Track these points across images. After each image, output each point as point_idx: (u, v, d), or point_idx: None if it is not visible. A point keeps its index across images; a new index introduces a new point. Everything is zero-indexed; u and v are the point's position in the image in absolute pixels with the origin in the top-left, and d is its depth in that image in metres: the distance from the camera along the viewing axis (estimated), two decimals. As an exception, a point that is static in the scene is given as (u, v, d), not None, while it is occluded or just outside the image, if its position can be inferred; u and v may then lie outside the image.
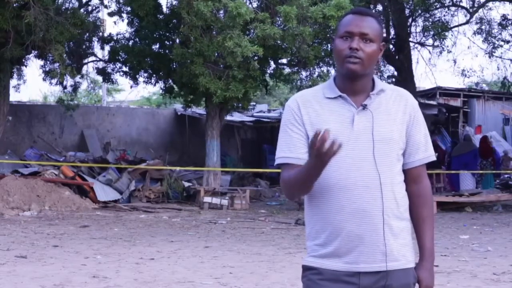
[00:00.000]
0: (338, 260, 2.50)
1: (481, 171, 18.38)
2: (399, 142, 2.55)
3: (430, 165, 2.72)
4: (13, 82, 18.26)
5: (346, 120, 2.52)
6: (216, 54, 14.95)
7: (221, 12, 14.84)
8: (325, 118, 2.52)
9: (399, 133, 2.56)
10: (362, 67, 2.50)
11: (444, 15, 20.02)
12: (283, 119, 2.62)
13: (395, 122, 2.55)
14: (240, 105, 17.29)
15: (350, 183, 2.47)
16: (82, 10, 17.73)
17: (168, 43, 17.40)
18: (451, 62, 23.81)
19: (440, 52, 20.28)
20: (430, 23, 18.92)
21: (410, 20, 19.43)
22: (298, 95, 2.64)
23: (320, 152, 2.27)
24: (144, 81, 18.40)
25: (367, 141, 2.50)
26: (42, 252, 8.99)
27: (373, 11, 18.09)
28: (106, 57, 19.13)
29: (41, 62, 17.90)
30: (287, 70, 18.51)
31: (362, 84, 2.56)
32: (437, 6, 19.57)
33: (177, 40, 16.39)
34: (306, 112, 2.56)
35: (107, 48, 18.96)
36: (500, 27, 19.73)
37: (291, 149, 2.55)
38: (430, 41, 20.13)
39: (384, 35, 18.13)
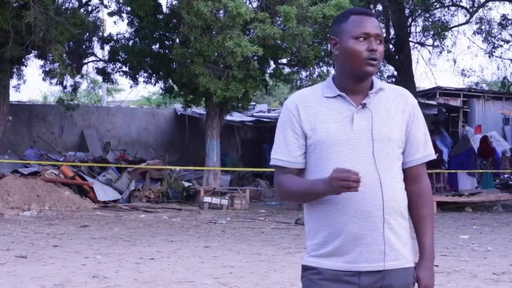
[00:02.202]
0: (338, 259, 2.49)
1: (481, 171, 18.38)
2: (398, 141, 2.55)
3: (430, 165, 2.72)
4: (13, 82, 18.27)
5: (345, 119, 2.52)
6: (216, 54, 14.95)
7: (221, 12, 14.84)
8: (324, 117, 2.52)
9: (399, 132, 2.55)
10: (376, 68, 2.53)
11: (444, 15, 20.02)
12: (280, 119, 2.62)
13: (394, 121, 2.55)
14: (240, 105, 17.30)
15: (351, 183, 2.46)
16: (82, 10, 17.72)
17: (168, 43, 17.40)
18: (451, 62, 23.84)
19: (440, 52, 20.29)
20: (430, 23, 18.91)
21: (410, 20, 19.43)
22: (297, 95, 2.64)
23: (344, 186, 2.33)
24: (144, 81, 18.41)
25: (367, 140, 2.49)
26: (42, 252, 8.99)
27: (373, 11, 18.16)
28: (106, 57, 19.13)
29: (41, 62, 17.92)
30: (287, 70, 18.51)
31: (366, 84, 2.57)
32: (437, 6, 19.56)
33: (177, 40, 16.38)
34: (305, 112, 2.55)
35: (107, 48, 18.97)
36: (500, 27, 19.72)
37: (285, 153, 2.57)
38: (430, 41, 20.14)
39: (384, 35, 18.13)
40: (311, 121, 2.54)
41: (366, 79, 2.54)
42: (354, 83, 2.55)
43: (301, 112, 2.55)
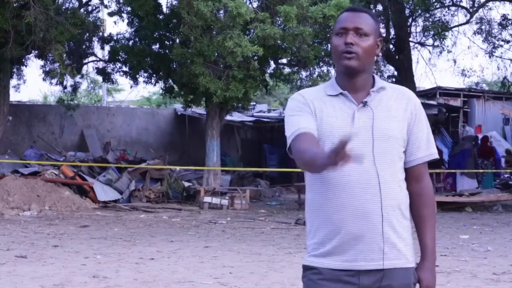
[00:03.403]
0: (337, 258, 2.49)
1: (480, 171, 18.37)
2: (399, 139, 2.55)
3: (431, 165, 2.71)
4: (13, 82, 18.27)
5: (346, 116, 2.52)
6: (216, 54, 14.95)
7: (221, 12, 14.84)
8: (327, 114, 2.53)
9: (400, 131, 2.55)
10: (358, 61, 2.51)
11: (444, 15, 20.02)
12: (288, 108, 2.60)
13: (395, 119, 2.55)
14: (240, 105, 17.29)
15: (349, 180, 2.46)
16: (82, 10, 17.73)
17: (168, 43, 17.40)
18: (451, 62, 23.80)
19: (440, 52, 20.28)
20: (430, 23, 18.91)
21: (410, 20, 19.43)
22: (301, 91, 2.66)
23: (340, 159, 2.17)
24: (144, 81, 18.42)
25: (367, 138, 2.49)
26: (42, 252, 8.99)
27: (373, 11, 18.16)
28: (106, 57, 19.13)
29: (41, 62, 17.91)
30: (287, 70, 18.51)
31: (362, 81, 2.56)
32: (437, 6, 19.56)
33: (177, 40, 16.38)
34: (312, 105, 2.57)
35: (107, 48, 18.97)
36: (500, 27, 19.73)
37: (300, 123, 2.50)
38: (430, 41, 20.14)
39: (384, 34, 18.13)
40: (316, 115, 2.54)
41: (353, 74, 2.54)
42: (348, 80, 2.56)
43: (309, 103, 2.57)
